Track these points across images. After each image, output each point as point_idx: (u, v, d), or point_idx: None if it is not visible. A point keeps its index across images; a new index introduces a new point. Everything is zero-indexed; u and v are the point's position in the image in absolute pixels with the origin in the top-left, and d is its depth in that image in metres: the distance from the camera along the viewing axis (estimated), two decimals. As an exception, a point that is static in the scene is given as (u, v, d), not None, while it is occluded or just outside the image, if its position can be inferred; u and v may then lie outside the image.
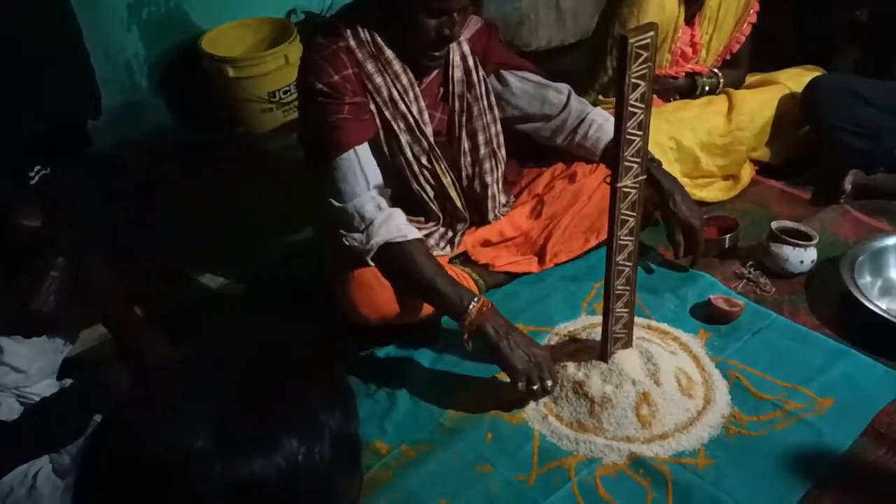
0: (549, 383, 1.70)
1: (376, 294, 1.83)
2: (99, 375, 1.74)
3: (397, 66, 1.81)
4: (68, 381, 1.77)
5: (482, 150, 1.98)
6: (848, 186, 2.29)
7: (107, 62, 2.79)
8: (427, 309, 1.87)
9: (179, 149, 2.86)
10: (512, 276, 2.10)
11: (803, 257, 2.05)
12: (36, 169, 1.64)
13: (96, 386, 1.71)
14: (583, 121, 2.05)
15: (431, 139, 1.89)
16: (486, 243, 2.11)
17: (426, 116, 1.88)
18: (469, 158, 1.98)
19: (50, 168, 1.68)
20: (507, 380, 1.72)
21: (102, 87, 2.76)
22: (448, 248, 2.05)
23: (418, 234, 1.81)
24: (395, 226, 1.77)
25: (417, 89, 1.86)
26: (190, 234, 2.44)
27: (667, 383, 1.72)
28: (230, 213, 2.55)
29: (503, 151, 2.03)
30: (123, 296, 1.84)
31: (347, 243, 1.78)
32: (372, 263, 1.79)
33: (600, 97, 2.34)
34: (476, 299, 1.72)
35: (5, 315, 1.60)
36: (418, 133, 1.87)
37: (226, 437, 0.68)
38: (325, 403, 0.73)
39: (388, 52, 1.80)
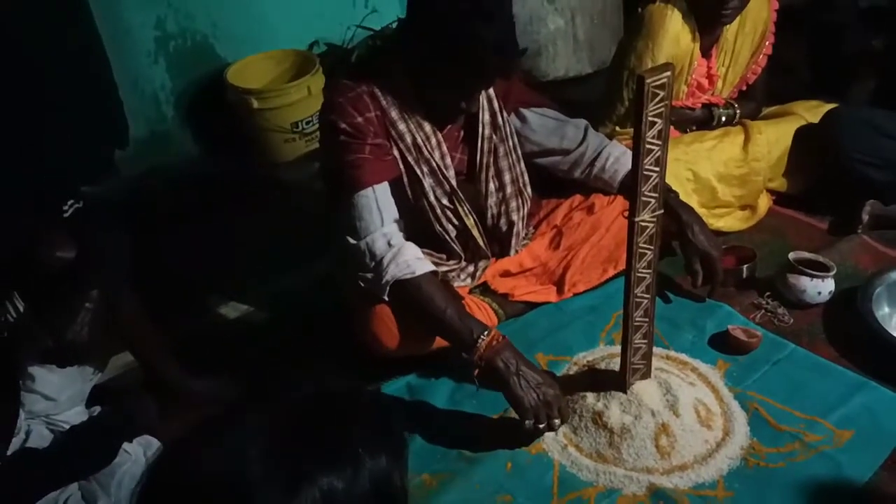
0: (557, 422, 1.70)
1: (397, 327, 1.85)
2: (127, 405, 1.78)
3: (419, 114, 1.85)
4: (97, 409, 1.81)
5: (508, 190, 2.01)
6: (866, 217, 2.30)
7: (134, 93, 2.86)
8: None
9: (204, 178, 2.90)
10: (531, 306, 2.12)
11: (821, 288, 2.05)
12: (69, 203, 1.69)
13: (124, 415, 1.75)
14: (600, 154, 2.08)
15: (454, 182, 1.92)
16: (506, 273, 2.13)
17: (448, 160, 1.92)
18: (495, 198, 2.01)
19: (82, 202, 1.73)
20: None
21: (129, 118, 2.83)
22: (469, 280, 2.08)
23: (428, 268, 1.81)
24: (404, 262, 1.78)
25: (440, 135, 1.90)
26: (213, 262, 2.48)
27: (685, 414, 1.73)
28: (253, 241, 2.58)
29: (529, 190, 2.06)
30: (151, 326, 1.87)
31: (362, 284, 1.82)
32: (387, 299, 1.82)
33: (617, 128, 2.36)
34: (486, 332, 1.71)
35: (38, 345, 1.64)
36: (441, 177, 1.91)
37: (273, 474, 0.73)
38: (373, 451, 0.78)
39: (412, 101, 1.84)
